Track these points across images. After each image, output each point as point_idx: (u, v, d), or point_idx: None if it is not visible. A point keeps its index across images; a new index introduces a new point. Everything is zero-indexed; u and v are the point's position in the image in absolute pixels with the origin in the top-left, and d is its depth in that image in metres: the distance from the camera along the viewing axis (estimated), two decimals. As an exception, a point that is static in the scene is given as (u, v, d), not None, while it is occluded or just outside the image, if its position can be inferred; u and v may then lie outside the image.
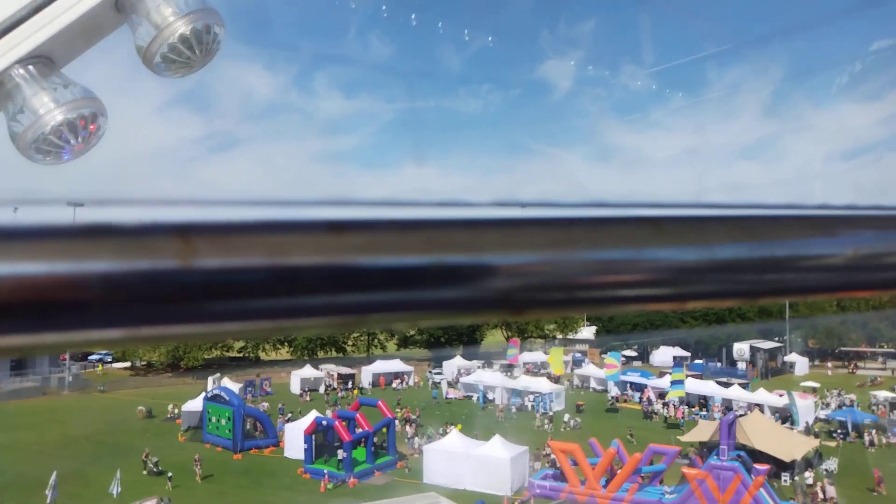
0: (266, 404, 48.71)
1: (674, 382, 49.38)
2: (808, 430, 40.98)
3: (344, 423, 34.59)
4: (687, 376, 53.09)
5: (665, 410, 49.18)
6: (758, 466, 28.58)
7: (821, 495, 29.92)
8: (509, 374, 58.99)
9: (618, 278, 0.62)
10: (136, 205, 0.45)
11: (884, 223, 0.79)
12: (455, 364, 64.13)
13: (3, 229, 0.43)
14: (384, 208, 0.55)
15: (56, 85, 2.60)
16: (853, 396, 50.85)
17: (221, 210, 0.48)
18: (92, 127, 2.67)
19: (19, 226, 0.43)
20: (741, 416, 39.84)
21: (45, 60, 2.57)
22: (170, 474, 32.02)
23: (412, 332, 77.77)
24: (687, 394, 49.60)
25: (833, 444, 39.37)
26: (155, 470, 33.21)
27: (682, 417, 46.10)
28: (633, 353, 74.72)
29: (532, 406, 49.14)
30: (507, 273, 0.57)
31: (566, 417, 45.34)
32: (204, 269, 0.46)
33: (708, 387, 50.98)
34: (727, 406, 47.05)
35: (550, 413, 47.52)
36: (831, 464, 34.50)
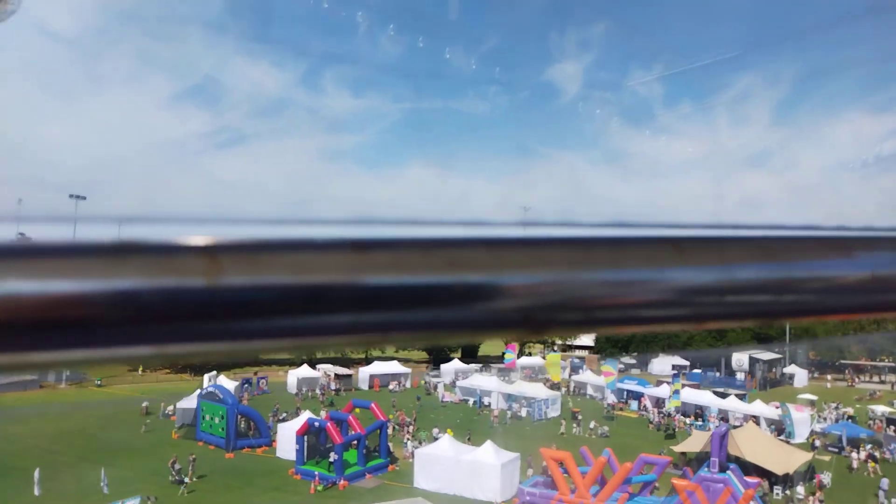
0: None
1: (675, 392, 49.38)
2: (812, 445, 40.80)
3: (336, 425, 34.57)
4: (684, 386, 53.04)
5: (660, 419, 49.02)
6: (749, 479, 28.43)
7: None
8: (506, 378, 58.91)
9: (637, 299, 0.62)
10: (163, 222, 0.46)
11: None
12: (453, 367, 64.10)
13: (33, 246, 0.44)
14: (406, 227, 0.55)
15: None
16: (850, 410, 50.63)
17: (247, 228, 0.49)
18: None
19: (48, 243, 0.43)
20: (736, 427, 39.74)
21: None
22: (186, 479, 31.64)
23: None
24: (683, 403, 49.52)
25: (827, 458, 39.18)
26: (178, 478, 32.07)
27: (678, 428, 45.87)
28: (632, 361, 74.59)
29: (527, 412, 49.00)
30: (528, 292, 0.57)
31: (592, 425, 45.18)
32: (230, 288, 0.46)
33: (705, 397, 50.82)
34: (723, 417, 46.91)
35: (550, 418, 47.40)
36: (825, 478, 34.31)
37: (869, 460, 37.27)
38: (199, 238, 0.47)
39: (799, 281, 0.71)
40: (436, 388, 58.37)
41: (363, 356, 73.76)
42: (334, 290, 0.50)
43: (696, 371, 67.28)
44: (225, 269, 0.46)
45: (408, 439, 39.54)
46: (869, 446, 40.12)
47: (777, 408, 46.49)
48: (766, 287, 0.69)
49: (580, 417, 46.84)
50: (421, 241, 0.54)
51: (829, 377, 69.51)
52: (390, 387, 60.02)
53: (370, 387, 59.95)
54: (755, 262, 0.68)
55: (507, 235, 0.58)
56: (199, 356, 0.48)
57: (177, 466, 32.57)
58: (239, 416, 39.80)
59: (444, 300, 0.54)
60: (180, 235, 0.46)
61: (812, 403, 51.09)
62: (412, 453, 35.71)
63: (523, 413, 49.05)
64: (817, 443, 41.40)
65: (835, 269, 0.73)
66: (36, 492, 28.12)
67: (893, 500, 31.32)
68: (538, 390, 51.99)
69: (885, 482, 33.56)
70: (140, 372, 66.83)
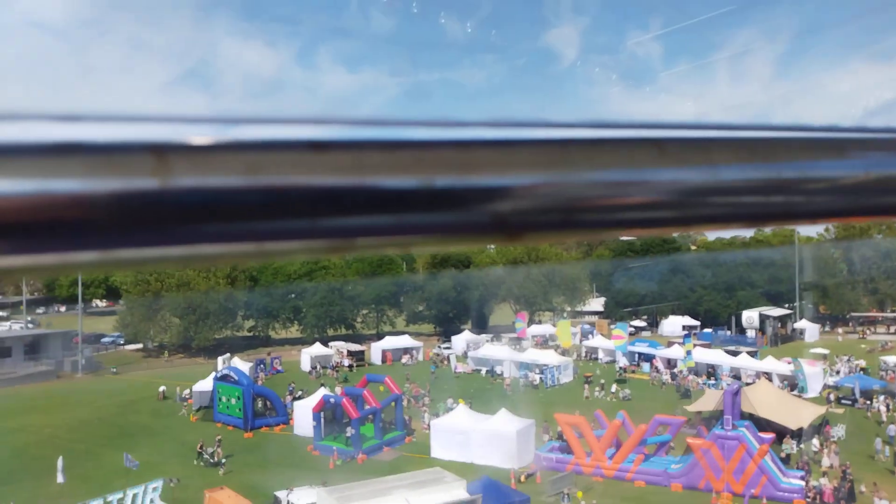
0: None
1: (688, 353, 49.64)
2: (827, 398, 41.01)
3: (352, 401, 34.90)
4: (695, 345, 53.23)
5: (672, 380, 49.36)
6: (762, 435, 28.65)
7: (826, 462, 29.99)
8: (517, 347, 59.19)
9: (618, 200, 0.59)
10: (107, 121, 0.43)
11: None
12: (463, 338, 64.37)
13: None
14: (370, 127, 0.51)
15: None
16: (863, 363, 50.73)
17: (197, 127, 0.45)
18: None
19: None
20: (749, 384, 39.93)
21: None
22: (223, 460, 32.02)
23: (420, 308, 77.95)
24: (696, 363, 49.72)
25: (840, 411, 39.37)
26: (212, 461, 32.50)
27: (693, 388, 46.10)
28: (642, 324, 74.76)
29: (540, 379, 49.31)
30: (502, 195, 0.54)
31: (613, 388, 45.80)
32: (180, 189, 0.44)
33: (716, 356, 50.99)
34: (735, 375, 47.09)
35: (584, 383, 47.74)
36: (839, 430, 34.52)
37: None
38: (146, 137, 0.44)
39: (788, 182, 0.68)
40: (448, 359, 58.67)
41: (374, 332, 74.18)
42: (292, 192, 0.47)
43: (706, 330, 67.42)
44: (174, 169, 0.43)
45: (424, 411, 39.89)
46: (882, 397, 40.26)
47: (789, 363, 46.62)
48: (755, 188, 0.66)
49: (603, 381, 47.37)
50: (386, 142, 0.51)
51: (840, 330, 69.56)
52: (403, 360, 60.38)
53: (382, 361, 60.33)
54: (742, 162, 0.65)
55: (479, 136, 0.55)
56: (150, 262, 0.45)
57: (209, 450, 33.04)
58: (255, 396, 40.22)
59: (412, 204, 0.51)
60: (126, 134, 0.43)
61: (824, 357, 51.15)
62: (428, 424, 36.06)
63: (536, 380, 49.35)
64: (832, 397, 41.55)
65: (826, 169, 0.70)
66: (59, 479, 28.57)
67: (887, 448, 31.56)
68: (550, 357, 52.24)
69: (892, 428, 33.88)
70: (153, 343, 67.45)
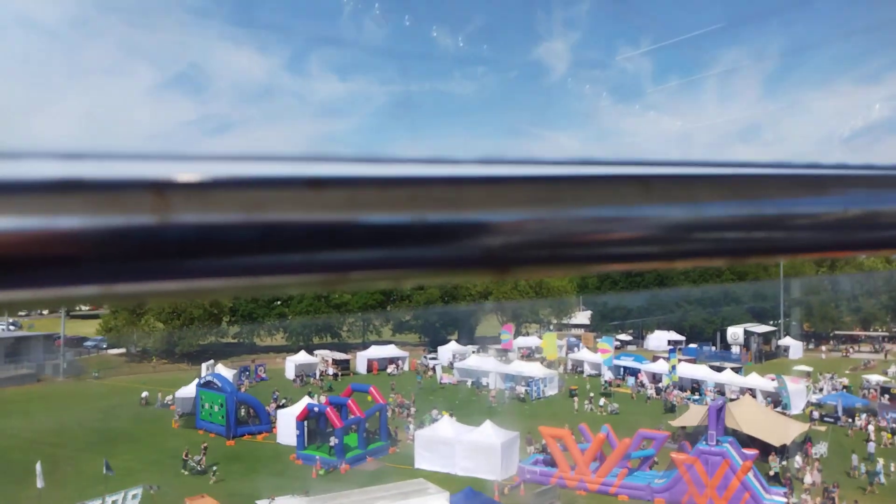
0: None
1: (673, 368, 49.76)
2: (810, 416, 41.31)
3: (336, 410, 34.71)
4: (680, 360, 53.40)
5: (657, 395, 49.50)
6: (746, 451, 28.74)
7: (808, 479, 30.10)
8: (503, 359, 59.16)
9: (605, 236, 0.60)
10: (108, 159, 0.44)
11: (876, 182, 0.77)
12: (450, 349, 64.31)
13: None
14: (365, 165, 0.53)
15: None
16: (846, 381, 51.07)
17: (197, 165, 0.46)
18: None
19: None
20: (733, 400, 40.10)
21: None
22: (214, 468, 31.72)
23: (407, 318, 77.81)
24: (680, 378, 49.87)
25: (823, 428, 39.59)
26: (199, 468, 32.32)
27: (677, 403, 46.21)
28: (628, 338, 74.98)
29: (525, 391, 49.28)
30: (492, 231, 0.55)
31: (602, 402, 45.90)
32: (179, 225, 0.44)
33: (701, 371, 51.18)
34: (720, 390, 47.27)
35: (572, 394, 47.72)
36: (821, 448, 34.69)
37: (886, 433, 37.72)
38: (147, 174, 0.44)
39: (770, 218, 0.69)
40: (433, 370, 58.55)
41: (360, 341, 73.93)
42: (289, 228, 0.48)
43: (691, 346, 67.67)
44: (174, 206, 0.44)
45: (409, 422, 39.75)
46: (864, 415, 40.54)
47: (773, 380, 46.86)
48: (737, 225, 0.67)
49: (592, 395, 47.50)
50: (380, 179, 0.52)
51: (823, 348, 70.04)
52: (388, 370, 60.18)
53: (368, 370, 60.11)
54: (725, 199, 0.67)
55: (470, 173, 0.56)
56: (148, 296, 0.46)
57: (196, 458, 32.75)
58: (238, 404, 39.93)
59: (405, 239, 0.52)
60: (126, 172, 0.44)
61: (807, 375, 51.47)
62: (413, 435, 35.92)
63: (522, 393, 49.34)
64: (815, 414, 41.77)
65: (807, 206, 0.72)
66: (39, 484, 28.19)
67: (863, 465, 31.80)
68: (535, 369, 52.25)
69: (872, 446, 34.21)
70: (136, 347, 66.83)
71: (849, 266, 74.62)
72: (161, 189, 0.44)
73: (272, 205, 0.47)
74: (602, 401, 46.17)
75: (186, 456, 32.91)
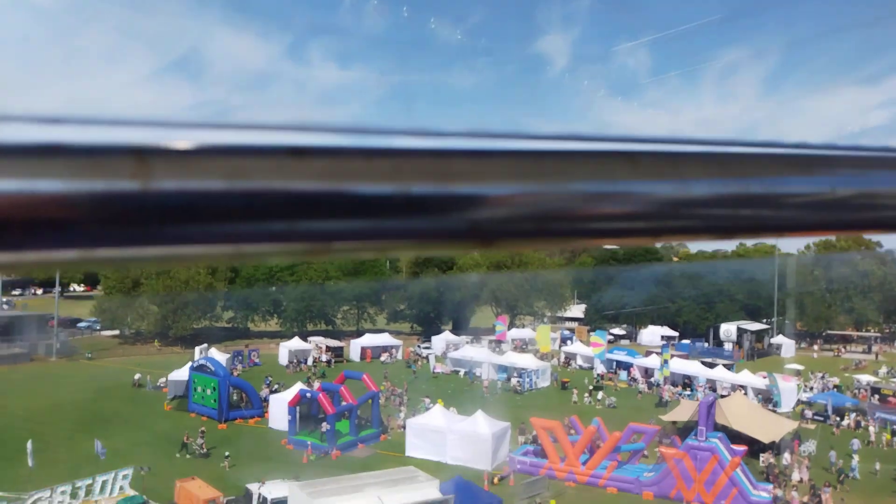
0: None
1: (665, 363, 49.93)
2: (802, 414, 41.57)
3: (328, 396, 34.79)
4: (673, 356, 53.60)
5: (648, 389, 49.74)
6: (735, 447, 28.90)
7: (797, 476, 30.30)
8: (497, 349, 59.28)
9: (590, 211, 0.61)
10: (90, 123, 0.43)
11: (863, 163, 0.78)
12: (443, 339, 64.42)
13: None
14: (350, 135, 0.52)
15: None
16: (836, 380, 51.33)
17: (180, 132, 0.46)
18: None
19: None
20: (724, 396, 40.28)
21: None
22: (227, 453, 31.58)
23: (402, 307, 77.85)
24: (672, 373, 50.05)
25: (812, 426, 39.81)
26: (201, 451, 32.52)
27: (670, 398, 46.37)
28: (622, 332, 75.15)
29: (517, 382, 49.43)
30: (477, 204, 0.55)
31: (600, 396, 46.22)
32: (160, 191, 0.44)
33: (693, 367, 51.36)
34: (711, 387, 47.46)
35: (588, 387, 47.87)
36: (809, 446, 34.90)
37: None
38: (128, 140, 0.44)
39: (757, 196, 0.69)
40: (427, 359, 58.65)
41: (354, 329, 73.99)
42: (271, 196, 0.48)
43: (684, 341, 67.86)
44: (155, 172, 0.44)
45: (401, 411, 39.85)
46: (853, 415, 40.77)
47: (764, 378, 47.06)
48: (723, 202, 0.67)
49: (591, 388, 47.90)
50: (364, 149, 0.52)
51: (815, 347, 70.33)
52: (382, 358, 60.28)
53: (361, 358, 60.21)
54: (713, 176, 0.67)
55: (456, 146, 0.56)
56: (129, 261, 0.46)
57: (198, 441, 32.83)
58: (231, 388, 39.99)
59: (388, 210, 0.52)
60: (108, 137, 0.44)
61: (799, 373, 51.66)
62: (404, 423, 36.03)
63: (513, 383, 49.48)
64: (808, 413, 41.98)
65: (793, 185, 0.72)
66: (30, 463, 28.25)
67: (841, 461, 32.08)
68: (528, 361, 52.39)
69: (856, 442, 34.49)
70: (129, 329, 66.84)
71: (844, 266, 74.76)
72: (143, 155, 0.44)
73: (255, 173, 0.47)
74: (600, 394, 46.44)
75: (188, 439, 32.98)
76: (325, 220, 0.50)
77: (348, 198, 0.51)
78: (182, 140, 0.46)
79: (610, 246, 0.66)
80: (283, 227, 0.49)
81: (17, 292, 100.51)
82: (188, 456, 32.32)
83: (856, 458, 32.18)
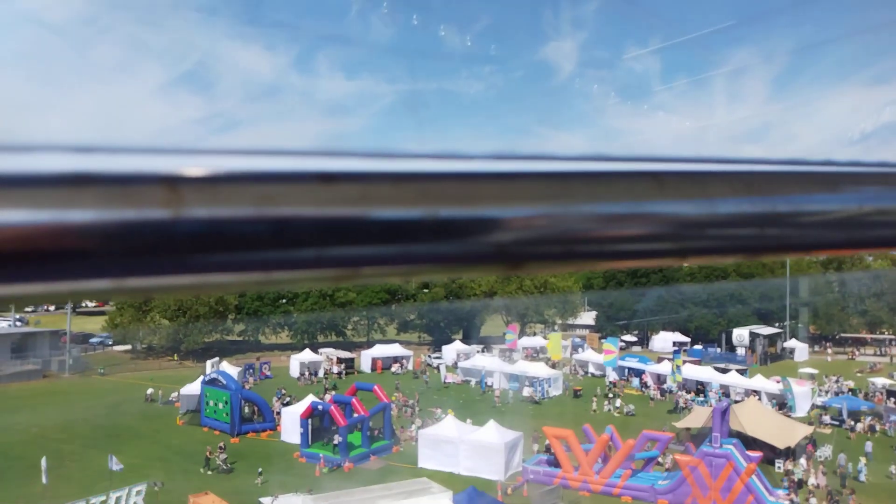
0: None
1: (678, 368, 49.61)
2: (819, 419, 41.23)
3: (340, 408, 34.75)
4: (685, 362, 53.24)
5: (661, 396, 49.43)
6: (750, 453, 28.66)
7: (813, 481, 30.02)
8: (508, 358, 59.10)
9: (617, 232, 0.60)
10: (122, 153, 0.44)
11: (890, 179, 0.77)
12: (454, 348, 64.25)
13: None
14: (377, 160, 0.53)
15: None
16: (851, 383, 50.88)
17: (209, 159, 0.47)
18: None
19: (1, 173, 0.41)
20: (738, 402, 39.99)
21: None
22: (260, 469, 31.32)
23: (412, 317, 77.80)
24: (685, 379, 49.73)
25: (827, 431, 39.46)
26: (225, 467, 32.37)
27: (684, 405, 46.06)
28: (633, 339, 74.78)
29: (530, 391, 49.20)
30: (504, 226, 0.55)
31: (618, 403, 45.99)
32: (192, 220, 0.44)
33: (706, 372, 51.01)
34: (725, 392, 47.14)
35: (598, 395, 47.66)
36: (825, 451, 34.58)
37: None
38: (159, 168, 0.45)
39: (783, 215, 0.69)
40: (437, 369, 58.52)
41: (365, 339, 73.97)
42: (301, 223, 0.48)
43: (696, 347, 67.44)
44: (186, 200, 0.44)
45: (413, 422, 39.75)
46: (869, 419, 40.38)
47: (778, 382, 46.71)
48: (750, 221, 0.67)
49: (609, 396, 47.66)
50: (392, 174, 0.52)
51: (829, 351, 69.77)
52: (392, 369, 60.20)
53: (372, 369, 60.15)
54: (738, 195, 0.66)
55: (483, 168, 0.56)
56: (160, 290, 0.46)
57: (221, 457, 32.82)
58: (243, 401, 40.01)
59: (416, 234, 0.52)
60: (139, 166, 0.44)
61: (812, 377, 51.26)
62: (416, 434, 35.93)
63: (525, 392, 49.28)
64: (826, 418, 41.59)
65: (820, 203, 0.72)
66: (44, 480, 28.33)
67: (849, 464, 31.78)
68: (540, 370, 52.19)
69: (869, 445, 34.15)
70: (141, 344, 67.04)
71: (856, 267, 74.26)
72: (173, 183, 0.44)
73: (284, 199, 0.48)
74: (618, 402, 46.21)
75: (210, 454, 32.93)
76: (354, 245, 0.50)
77: (377, 223, 0.51)
78: (212, 167, 0.46)
79: (635, 267, 0.65)
80: (312, 254, 0.49)
81: (29, 309, 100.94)
82: (210, 472, 32.21)
83: (863, 460, 31.84)
